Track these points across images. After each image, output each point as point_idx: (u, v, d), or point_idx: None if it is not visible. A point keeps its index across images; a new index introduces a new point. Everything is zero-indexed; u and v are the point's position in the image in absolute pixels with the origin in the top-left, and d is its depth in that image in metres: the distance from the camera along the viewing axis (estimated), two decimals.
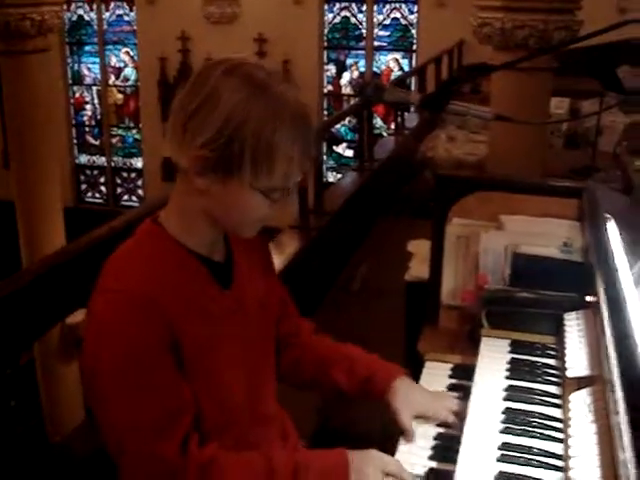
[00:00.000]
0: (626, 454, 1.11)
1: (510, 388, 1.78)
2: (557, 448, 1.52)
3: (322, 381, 1.85)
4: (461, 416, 1.72)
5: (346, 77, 13.18)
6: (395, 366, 1.84)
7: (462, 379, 1.95)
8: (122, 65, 14.29)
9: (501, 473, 1.47)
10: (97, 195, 14.87)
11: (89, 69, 14.49)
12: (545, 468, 1.48)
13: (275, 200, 1.48)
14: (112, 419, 1.45)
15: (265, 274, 1.76)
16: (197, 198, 1.48)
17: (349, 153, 13.08)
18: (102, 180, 14.79)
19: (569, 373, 1.70)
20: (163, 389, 1.44)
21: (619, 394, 1.23)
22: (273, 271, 1.83)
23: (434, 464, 1.63)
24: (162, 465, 1.43)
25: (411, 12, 12.56)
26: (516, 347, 1.98)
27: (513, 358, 1.92)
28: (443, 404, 1.78)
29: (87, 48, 14.44)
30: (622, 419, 1.17)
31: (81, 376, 1.49)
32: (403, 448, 1.68)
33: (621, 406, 1.20)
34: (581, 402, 1.54)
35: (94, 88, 14.54)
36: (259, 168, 1.41)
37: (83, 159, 14.82)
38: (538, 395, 1.74)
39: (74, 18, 14.17)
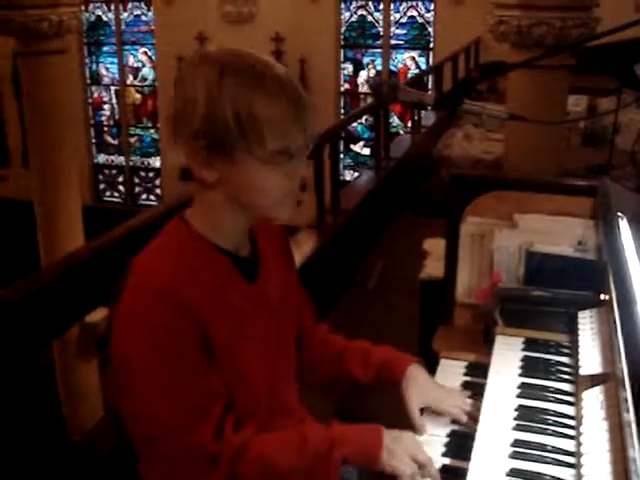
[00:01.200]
0: (636, 451, 1.12)
1: (523, 386, 1.79)
2: (569, 445, 1.53)
3: (339, 376, 1.88)
4: (473, 416, 1.74)
5: (363, 75, 13.17)
6: (408, 355, 1.86)
7: (476, 377, 1.96)
8: (140, 65, 14.37)
9: (513, 470, 1.48)
10: (115, 194, 14.95)
11: (107, 69, 14.58)
12: (557, 465, 1.49)
13: (290, 170, 1.50)
14: (143, 411, 1.48)
15: (287, 268, 1.79)
16: (215, 192, 1.51)
17: (366, 151, 13.07)
18: (120, 179, 14.87)
19: (582, 371, 1.70)
20: (193, 379, 1.47)
21: (628, 392, 1.24)
22: (294, 266, 1.85)
23: (447, 460, 1.64)
24: (197, 453, 1.47)
25: (428, 10, 12.55)
26: (530, 345, 1.98)
27: (527, 356, 1.93)
28: (455, 401, 1.80)
29: (105, 48, 14.53)
30: (631, 417, 1.19)
31: (109, 372, 1.52)
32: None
33: (630, 404, 1.21)
34: (594, 400, 1.55)
35: (112, 88, 14.62)
36: (250, 139, 1.43)
37: (101, 159, 14.90)
38: (551, 393, 1.74)
39: (92, 18, 14.26)
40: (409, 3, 12.64)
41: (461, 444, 1.67)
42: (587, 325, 1.88)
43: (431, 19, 12.55)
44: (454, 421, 1.76)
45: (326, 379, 1.91)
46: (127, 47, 14.38)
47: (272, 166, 1.47)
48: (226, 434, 1.49)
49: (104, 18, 14.32)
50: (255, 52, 1.51)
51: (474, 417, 1.73)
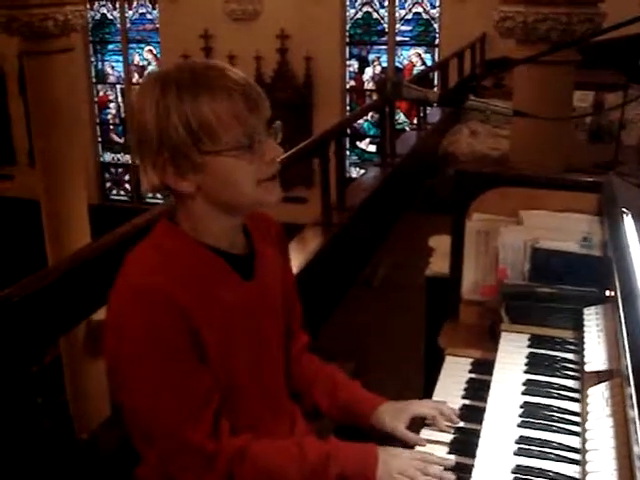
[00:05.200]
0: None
1: (529, 382, 1.78)
2: (575, 442, 1.53)
3: (303, 398, 1.88)
4: (449, 417, 1.75)
5: (368, 72, 13.16)
6: (375, 395, 1.86)
7: (482, 374, 1.96)
8: (145, 63, 14.37)
9: (519, 466, 1.48)
10: (122, 192, 14.97)
11: (113, 67, 14.59)
12: (562, 461, 1.49)
13: (257, 157, 1.51)
14: (138, 410, 1.50)
15: (283, 264, 1.81)
16: (195, 200, 1.53)
17: (372, 148, 13.05)
18: (127, 178, 14.88)
19: (588, 367, 1.70)
20: (186, 378, 1.48)
21: (632, 388, 1.24)
22: (289, 263, 1.86)
23: (453, 457, 1.64)
24: (194, 451, 1.48)
25: (433, 6, 12.52)
26: (535, 342, 1.98)
27: (532, 352, 1.93)
28: (430, 404, 1.81)
29: (110, 47, 14.55)
30: (636, 413, 1.18)
31: (107, 370, 1.53)
32: (425, 433, 1.72)
33: (634, 400, 1.21)
34: (599, 396, 1.55)
35: (118, 86, 14.63)
36: (204, 140, 1.47)
37: (108, 157, 14.92)
38: (556, 389, 1.74)
39: (97, 17, 14.27)
40: (414, 0, 12.61)
41: (466, 441, 1.67)
42: (593, 322, 1.88)
43: (436, 15, 12.52)
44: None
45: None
46: (132, 45, 14.39)
47: (238, 158, 1.49)
48: (223, 435, 1.50)
49: (109, 16, 14.33)
50: (212, 61, 1.56)
51: (450, 419, 1.74)
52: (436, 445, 1.69)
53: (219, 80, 1.48)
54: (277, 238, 1.79)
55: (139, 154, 1.52)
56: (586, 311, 1.94)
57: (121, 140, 14.80)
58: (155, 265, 1.52)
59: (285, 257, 1.84)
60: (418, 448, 1.69)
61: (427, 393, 1.93)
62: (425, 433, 1.74)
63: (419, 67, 12.73)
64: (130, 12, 14.22)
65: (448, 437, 1.72)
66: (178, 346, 1.47)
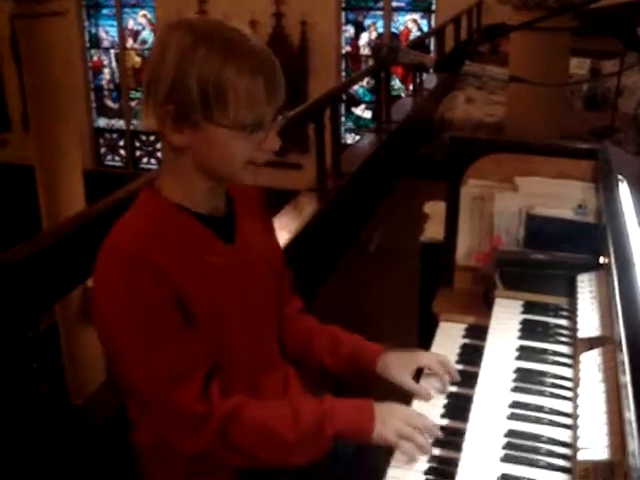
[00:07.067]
0: (632, 413, 1.13)
1: (522, 348, 1.80)
2: (567, 407, 1.55)
3: (306, 358, 1.88)
4: (451, 373, 1.77)
5: (364, 38, 13.06)
6: (377, 344, 1.86)
7: (476, 339, 1.97)
8: (140, 28, 14.25)
9: (511, 431, 1.50)
10: (117, 158, 14.91)
11: (107, 32, 14.45)
12: (554, 426, 1.50)
13: (256, 142, 1.51)
14: (127, 374, 1.52)
15: (267, 231, 1.80)
16: (184, 157, 1.52)
17: (367, 115, 13.01)
18: (121, 143, 14.82)
19: (581, 334, 1.71)
20: (172, 341, 1.49)
21: (625, 355, 1.24)
22: (273, 230, 1.86)
23: (446, 422, 1.66)
24: (184, 414, 1.49)
25: None
26: (529, 308, 1.99)
27: (526, 319, 1.94)
28: (432, 356, 1.83)
29: (104, 11, 14.38)
30: (628, 379, 1.19)
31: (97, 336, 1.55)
32: (416, 404, 1.72)
33: (627, 366, 1.21)
34: (592, 362, 1.56)
35: (112, 51, 14.51)
36: (213, 107, 1.44)
37: (102, 122, 14.83)
38: (549, 355, 1.76)
39: None
40: None
41: (460, 405, 1.68)
42: (586, 288, 1.89)
43: None
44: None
45: (290, 356, 1.89)
46: (127, 10, 14.23)
47: (237, 135, 1.48)
48: (213, 396, 1.51)
49: None
50: (238, 25, 1.51)
51: (452, 374, 1.77)
52: (429, 409, 1.70)
53: (250, 55, 1.46)
54: (257, 204, 1.78)
55: (146, 92, 1.49)
56: (580, 278, 1.95)
57: (115, 106, 14.71)
58: (137, 230, 1.52)
59: (268, 223, 1.83)
60: (415, 403, 1.71)
61: None
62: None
63: (415, 33, 12.64)
64: None
65: (441, 402, 1.73)
66: (161, 309, 1.47)
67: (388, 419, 1.56)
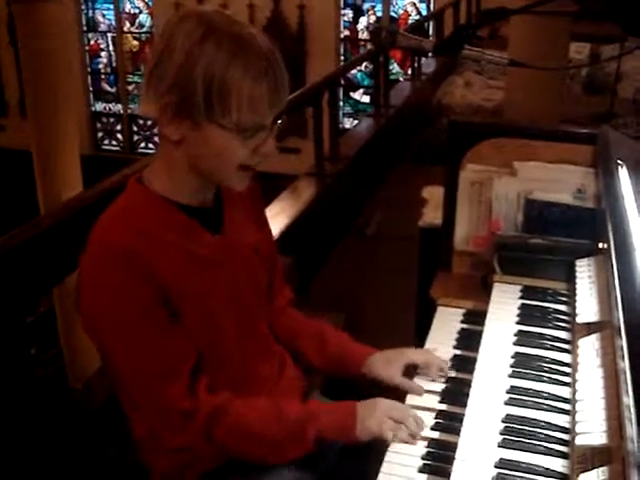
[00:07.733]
0: (630, 398, 1.13)
1: (520, 333, 1.80)
2: (565, 392, 1.55)
3: (292, 352, 1.87)
4: (442, 367, 1.77)
5: (363, 22, 13.02)
6: (366, 346, 1.86)
7: (474, 324, 1.97)
8: (137, 11, 14.20)
9: (509, 416, 1.50)
10: (114, 142, 14.88)
11: (104, 16, 14.40)
12: (552, 411, 1.50)
13: (253, 146, 1.48)
14: (115, 368, 1.52)
15: (258, 222, 1.78)
16: (178, 152, 1.49)
17: (366, 99, 12.98)
18: (119, 128, 14.78)
19: (579, 319, 1.71)
20: (158, 337, 1.48)
21: (623, 340, 1.24)
22: (266, 222, 1.83)
23: (444, 407, 1.66)
24: (170, 410, 1.50)
25: None
26: (527, 293, 1.99)
27: (524, 304, 1.94)
28: (425, 352, 1.82)
29: None
30: (626, 364, 1.19)
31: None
32: (409, 400, 1.72)
33: (625, 352, 1.21)
34: (590, 347, 1.56)
35: (109, 35, 14.46)
36: (215, 106, 1.41)
37: (99, 107, 14.80)
38: (548, 340, 1.75)
39: None
40: None
41: (458, 391, 1.68)
42: (585, 273, 1.89)
43: None
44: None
45: None
46: None
47: (235, 138, 1.45)
48: (200, 393, 1.52)
49: None
50: (250, 25, 1.48)
51: (441, 367, 1.77)
52: (427, 395, 1.71)
53: (257, 56, 1.42)
54: (249, 195, 1.75)
55: (147, 80, 1.46)
56: (578, 263, 1.94)
57: (113, 90, 14.67)
58: (120, 223, 1.51)
59: (260, 214, 1.81)
60: (409, 398, 1.71)
61: (419, 343, 1.94)
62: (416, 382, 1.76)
63: (414, 17, 12.60)
64: None
65: (439, 387, 1.73)
66: (148, 306, 1.46)
67: (370, 413, 1.57)
